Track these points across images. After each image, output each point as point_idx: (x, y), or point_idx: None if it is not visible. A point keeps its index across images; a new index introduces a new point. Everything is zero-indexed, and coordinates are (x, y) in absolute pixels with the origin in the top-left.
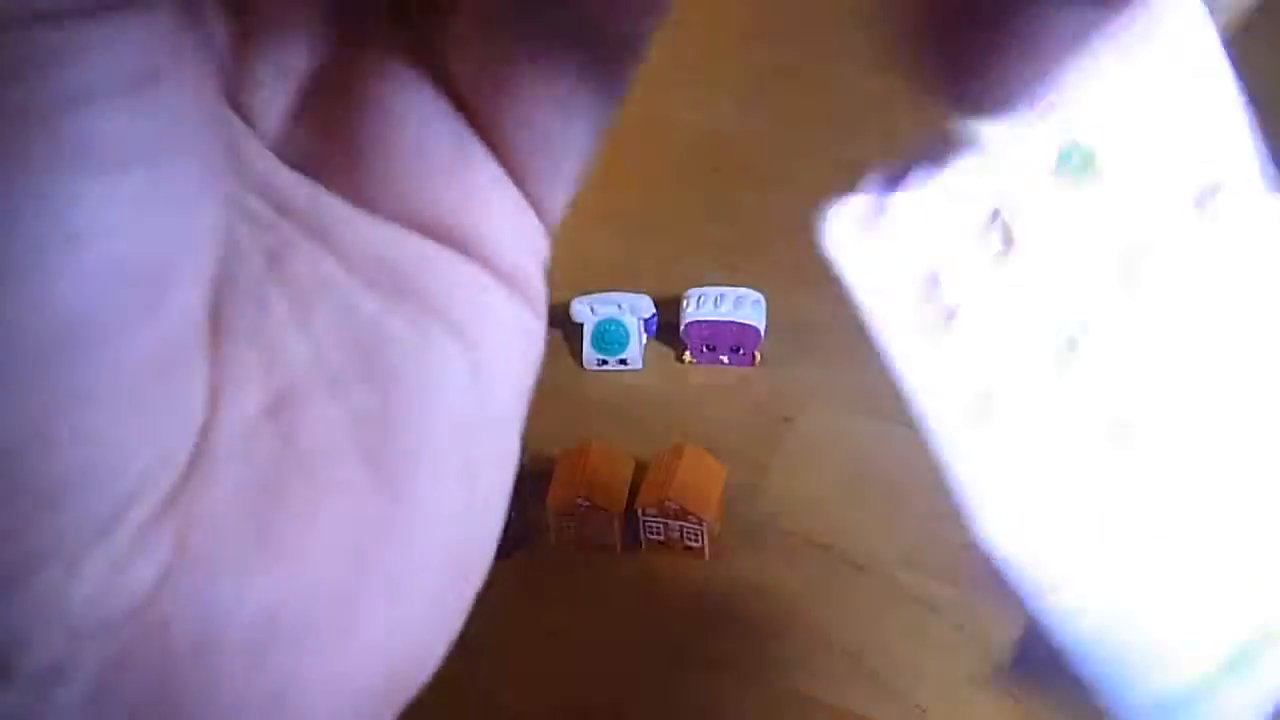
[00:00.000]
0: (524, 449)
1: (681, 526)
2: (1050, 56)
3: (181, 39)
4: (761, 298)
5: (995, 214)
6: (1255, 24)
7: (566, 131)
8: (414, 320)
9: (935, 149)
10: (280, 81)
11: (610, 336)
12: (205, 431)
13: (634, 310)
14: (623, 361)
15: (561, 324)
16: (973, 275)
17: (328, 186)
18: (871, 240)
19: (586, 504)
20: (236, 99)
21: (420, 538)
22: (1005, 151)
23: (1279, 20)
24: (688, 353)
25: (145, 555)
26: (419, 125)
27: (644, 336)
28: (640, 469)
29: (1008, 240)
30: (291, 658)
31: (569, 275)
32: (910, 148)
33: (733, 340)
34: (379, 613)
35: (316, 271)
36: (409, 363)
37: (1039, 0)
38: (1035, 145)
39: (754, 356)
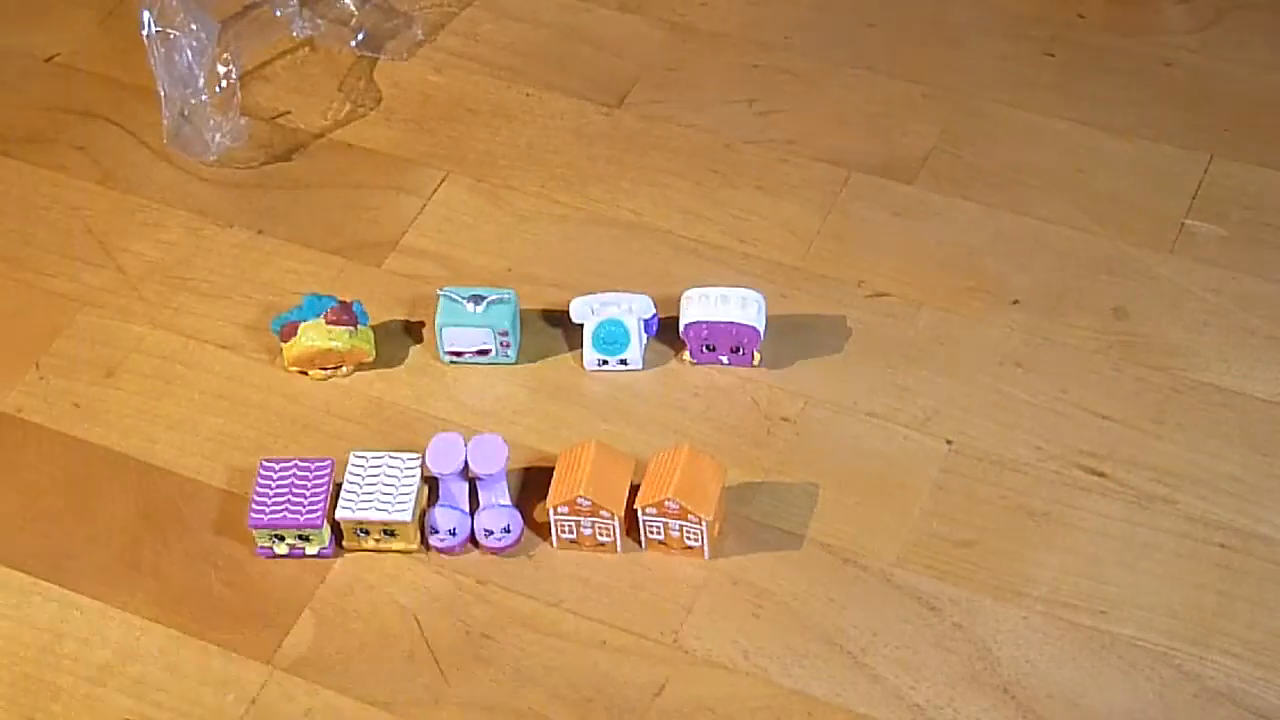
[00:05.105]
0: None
1: (681, 526)
2: None
3: None
4: (761, 298)
5: None
6: (1255, 23)
7: None
8: None
9: None
10: None
11: (610, 336)
12: None
13: (634, 310)
14: (623, 361)
15: (561, 324)
16: None
17: None
18: None
19: (587, 504)
20: None
21: None
22: None
23: (1279, 19)
24: (687, 353)
25: None
26: None
27: (644, 336)
28: (640, 469)
29: None
30: None
31: (569, 275)
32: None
33: (733, 340)
34: None
35: None
36: None
37: None
38: None
39: (754, 356)
